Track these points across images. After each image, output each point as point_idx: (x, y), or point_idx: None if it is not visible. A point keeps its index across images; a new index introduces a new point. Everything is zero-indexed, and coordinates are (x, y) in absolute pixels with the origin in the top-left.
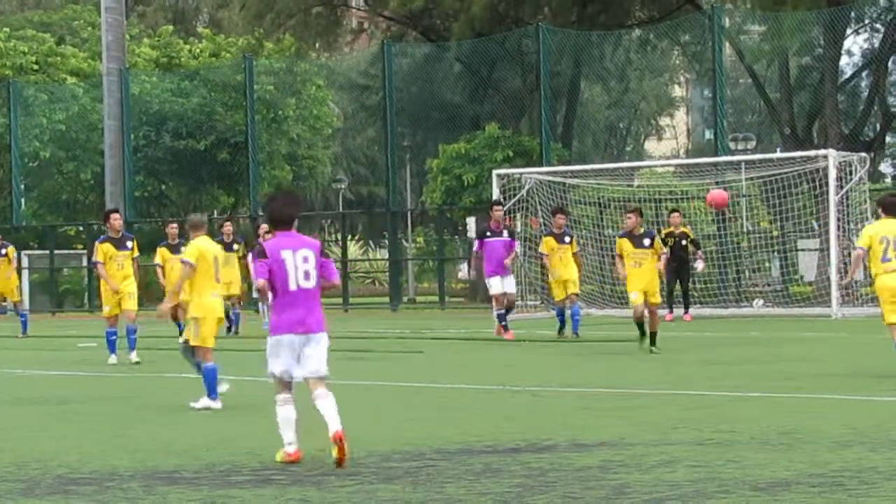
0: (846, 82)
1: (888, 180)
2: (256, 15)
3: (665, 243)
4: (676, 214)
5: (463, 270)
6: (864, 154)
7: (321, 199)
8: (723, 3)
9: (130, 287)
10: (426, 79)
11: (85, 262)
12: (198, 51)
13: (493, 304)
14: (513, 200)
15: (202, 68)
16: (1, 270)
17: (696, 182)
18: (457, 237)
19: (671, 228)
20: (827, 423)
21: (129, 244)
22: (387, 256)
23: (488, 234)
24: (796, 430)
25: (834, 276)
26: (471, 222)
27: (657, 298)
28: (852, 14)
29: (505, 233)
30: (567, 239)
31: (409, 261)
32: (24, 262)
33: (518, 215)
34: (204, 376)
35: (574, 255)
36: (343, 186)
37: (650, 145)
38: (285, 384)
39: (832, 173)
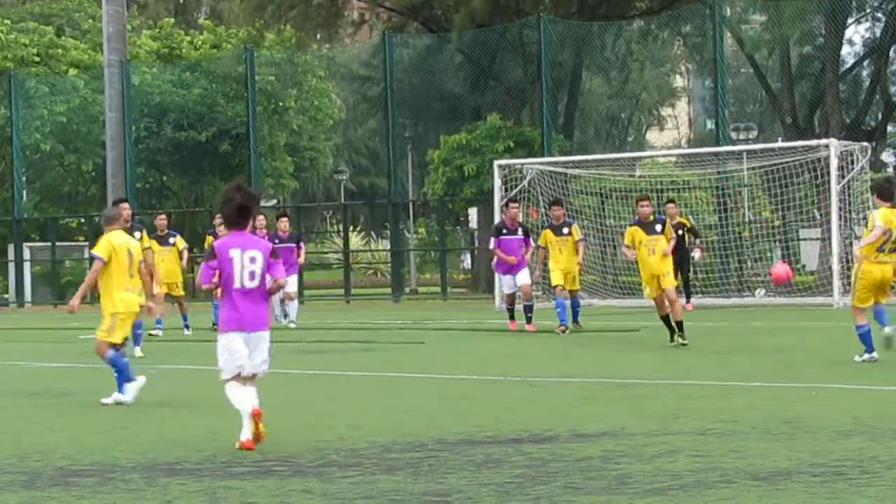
0: (847, 71)
1: (890, 169)
2: (257, 6)
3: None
4: (672, 205)
5: (466, 261)
6: (865, 143)
7: (323, 191)
8: None
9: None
10: (427, 70)
11: (86, 254)
12: (199, 42)
13: (505, 301)
14: (514, 191)
15: (203, 60)
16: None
17: (698, 172)
18: (458, 228)
19: (667, 219)
20: (828, 413)
21: (138, 235)
22: (388, 247)
23: (504, 231)
24: (798, 419)
25: (836, 266)
26: (472, 213)
27: (670, 281)
28: (853, 3)
29: (520, 230)
30: (566, 230)
31: (410, 252)
32: (26, 255)
33: (519, 206)
34: (115, 368)
35: (576, 243)
36: (345, 177)
37: (652, 135)
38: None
39: (833, 163)
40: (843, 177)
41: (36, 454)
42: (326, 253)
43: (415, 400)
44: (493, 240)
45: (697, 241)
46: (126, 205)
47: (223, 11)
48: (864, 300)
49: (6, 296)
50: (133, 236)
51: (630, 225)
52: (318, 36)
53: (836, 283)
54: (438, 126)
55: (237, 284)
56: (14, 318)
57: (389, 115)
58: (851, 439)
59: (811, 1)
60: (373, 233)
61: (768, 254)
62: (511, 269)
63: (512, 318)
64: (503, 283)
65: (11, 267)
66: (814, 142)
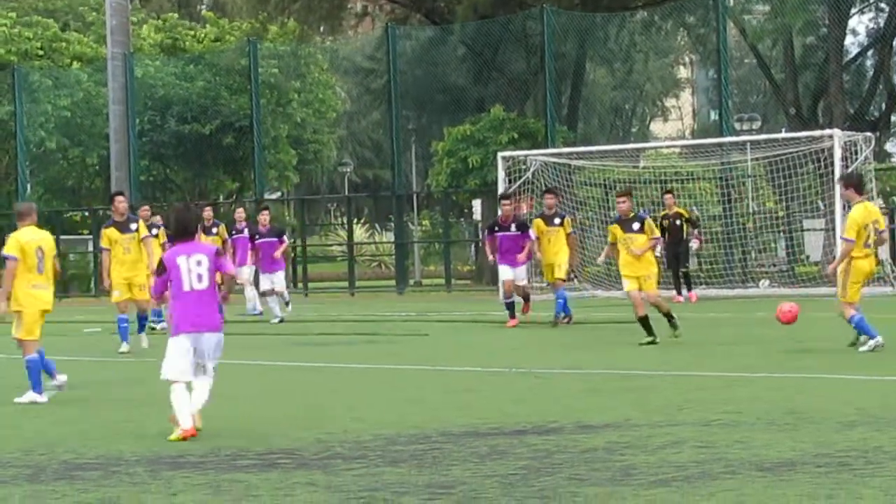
0: (851, 62)
1: (894, 159)
2: None
3: (661, 225)
4: (670, 195)
5: (472, 253)
6: (869, 133)
7: (327, 183)
8: None
9: (140, 277)
10: (430, 62)
11: (91, 248)
12: (202, 35)
13: (503, 289)
14: (518, 183)
15: (207, 52)
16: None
17: (702, 163)
18: (462, 220)
19: (665, 210)
20: (833, 404)
21: (134, 226)
22: (393, 240)
23: (496, 228)
24: (802, 410)
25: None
26: (476, 205)
27: (652, 284)
28: None
29: (513, 226)
30: (557, 221)
31: (415, 244)
32: None
33: (512, 203)
34: (28, 370)
35: (568, 236)
36: (348, 170)
37: (656, 126)
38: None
39: (837, 153)
40: (847, 167)
41: (40, 448)
42: (330, 245)
43: (419, 392)
44: (486, 235)
45: (696, 231)
46: (122, 197)
47: (226, 4)
48: (856, 295)
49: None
50: (130, 228)
51: (610, 224)
52: (322, 28)
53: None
54: (442, 118)
55: (186, 287)
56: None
57: (393, 107)
58: (856, 430)
59: None
60: (377, 225)
61: (772, 244)
62: (506, 262)
63: (512, 315)
64: (501, 273)
65: None
66: (817, 132)
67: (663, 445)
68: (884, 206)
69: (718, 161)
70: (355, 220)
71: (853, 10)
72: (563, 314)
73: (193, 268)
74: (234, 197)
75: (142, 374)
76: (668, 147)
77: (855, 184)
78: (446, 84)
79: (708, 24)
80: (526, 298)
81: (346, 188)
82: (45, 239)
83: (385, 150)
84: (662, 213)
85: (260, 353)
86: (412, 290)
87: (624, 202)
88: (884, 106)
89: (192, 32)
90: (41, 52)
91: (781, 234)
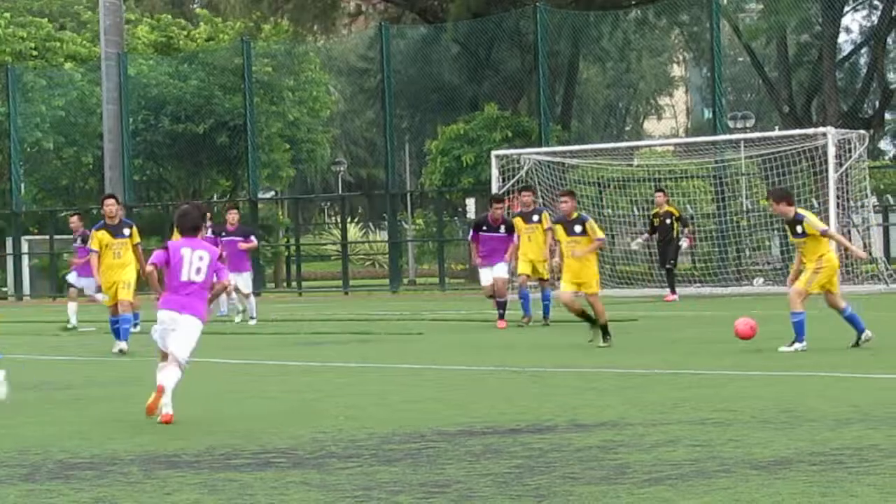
0: (845, 59)
1: (888, 157)
2: None
3: (651, 223)
4: (660, 194)
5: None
6: (863, 131)
7: (321, 182)
8: None
9: (127, 276)
10: (424, 60)
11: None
12: (196, 34)
13: (496, 289)
14: (512, 181)
15: (200, 51)
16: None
17: (696, 161)
18: (456, 218)
19: (657, 209)
20: (827, 401)
21: (127, 231)
22: (386, 238)
23: (484, 228)
24: (797, 408)
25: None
26: (470, 203)
27: (593, 289)
28: None
29: (502, 228)
30: (536, 217)
31: (408, 243)
32: (24, 248)
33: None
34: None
35: (545, 231)
36: (342, 169)
37: (649, 125)
38: (164, 354)
39: (831, 151)
40: (841, 165)
41: (36, 447)
42: (324, 244)
43: (413, 391)
44: (471, 232)
45: (686, 230)
46: (112, 200)
47: (220, 3)
48: (823, 286)
49: (5, 289)
50: (123, 233)
51: (553, 223)
52: (315, 27)
53: None
54: (436, 116)
55: (183, 277)
56: (13, 310)
57: (387, 106)
58: (850, 428)
59: None
60: (371, 224)
61: (767, 242)
62: (489, 262)
63: (501, 317)
64: (481, 276)
65: (10, 260)
66: (811, 130)
67: (658, 444)
68: (876, 203)
69: (712, 159)
70: (349, 219)
71: (847, 8)
72: (525, 315)
73: (195, 261)
74: (228, 196)
75: (136, 373)
76: (661, 145)
77: (787, 197)
78: (440, 83)
79: (701, 22)
80: (499, 294)
81: (340, 187)
82: None
83: (379, 148)
84: (654, 211)
85: (254, 353)
86: (406, 288)
87: (566, 202)
88: (877, 104)
89: (186, 32)
90: (35, 52)
91: (776, 232)
